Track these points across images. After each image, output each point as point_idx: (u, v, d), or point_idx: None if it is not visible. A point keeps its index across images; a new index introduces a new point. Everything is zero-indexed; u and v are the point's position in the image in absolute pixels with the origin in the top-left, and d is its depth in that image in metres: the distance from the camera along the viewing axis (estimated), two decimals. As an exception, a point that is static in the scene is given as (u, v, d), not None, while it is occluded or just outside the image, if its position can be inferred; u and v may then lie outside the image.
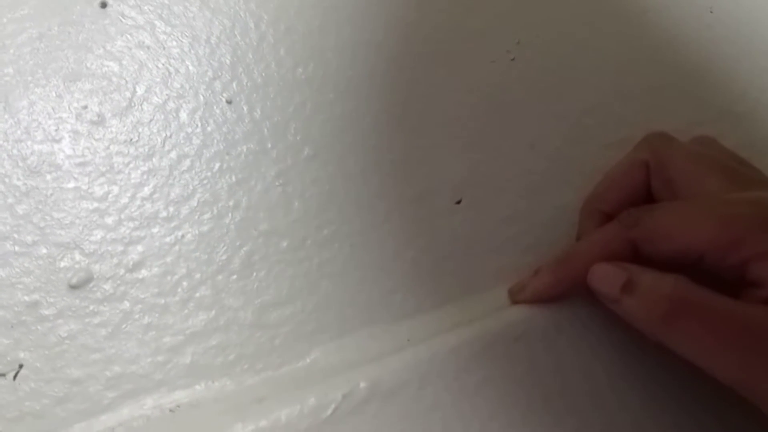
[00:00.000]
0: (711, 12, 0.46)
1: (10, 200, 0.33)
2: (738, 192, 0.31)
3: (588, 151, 0.39)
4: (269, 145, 0.36)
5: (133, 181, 0.34)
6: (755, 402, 0.27)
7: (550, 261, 0.34)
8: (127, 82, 0.36)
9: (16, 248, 0.32)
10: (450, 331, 0.33)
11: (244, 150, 0.36)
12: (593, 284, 0.32)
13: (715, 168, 0.33)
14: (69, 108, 0.35)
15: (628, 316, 0.30)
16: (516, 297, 0.35)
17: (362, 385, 0.30)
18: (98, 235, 0.33)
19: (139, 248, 0.33)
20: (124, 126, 0.35)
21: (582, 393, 0.32)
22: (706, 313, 0.28)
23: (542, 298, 0.34)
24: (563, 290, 0.34)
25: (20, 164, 0.33)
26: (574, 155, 0.39)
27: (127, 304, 0.32)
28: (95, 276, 0.32)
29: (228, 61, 0.38)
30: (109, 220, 0.33)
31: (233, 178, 0.35)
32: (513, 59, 0.41)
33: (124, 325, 0.32)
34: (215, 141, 0.36)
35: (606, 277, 0.31)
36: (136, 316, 0.32)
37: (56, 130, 0.34)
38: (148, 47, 0.37)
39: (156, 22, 0.38)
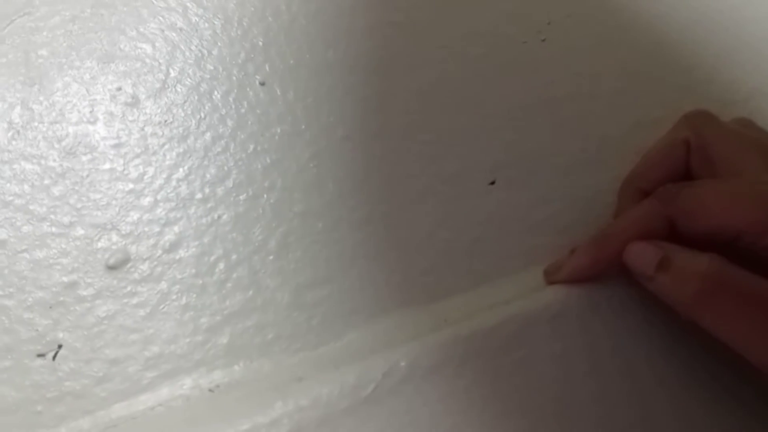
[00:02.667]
0: (741, -8, 0.45)
1: (46, 181, 0.33)
2: None
3: (621, 131, 0.39)
4: (303, 127, 0.36)
5: (168, 162, 0.34)
6: None
7: (587, 240, 0.34)
8: (160, 63, 0.36)
9: (53, 229, 0.32)
10: (487, 311, 0.33)
11: (278, 131, 0.36)
12: (629, 262, 0.31)
13: (757, 148, 0.32)
14: (103, 90, 0.35)
15: (662, 294, 0.30)
16: (552, 277, 0.35)
17: (402, 364, 0.30)
18: (134, 216, 0.33)
19: (176, 229, 0.33)
20: (158, 107, 0.35)
21: (618, 373, 0.32)
22: (741, 294, 0.27)
23: (578, 278, 0.34)
24: (600, 270, 0.34)
25: (56, 146, 0.33)
26: (607, 135, 0.39)
27: (164, 285, 0.32)
28: (132, 257, 0.32)
29: (260, 43, 0.37)
30: (145, 201, 0.33)
31: (268, 160, 0.35)
32: (544, 40, 0.41)
33: (161, 306, 0.32)
34: (249, 122, 0.36)
35: (641, 255, 0.31)
36: (174, 297, 0.32)
37: (91, 112, 0.34)
38: (181, 29, 0.37)
39: (188, 3, 0.38)
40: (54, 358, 0.30)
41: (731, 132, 0.34)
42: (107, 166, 0.33)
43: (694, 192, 0.31)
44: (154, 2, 0.37)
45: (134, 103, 0.35)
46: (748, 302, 0.27)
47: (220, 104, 0.36)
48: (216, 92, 0.36)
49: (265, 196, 0.34)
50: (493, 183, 0.37)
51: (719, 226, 0.30)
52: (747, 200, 0.30)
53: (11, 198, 0.32)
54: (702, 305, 0.28)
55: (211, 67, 0.36)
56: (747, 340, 0.27)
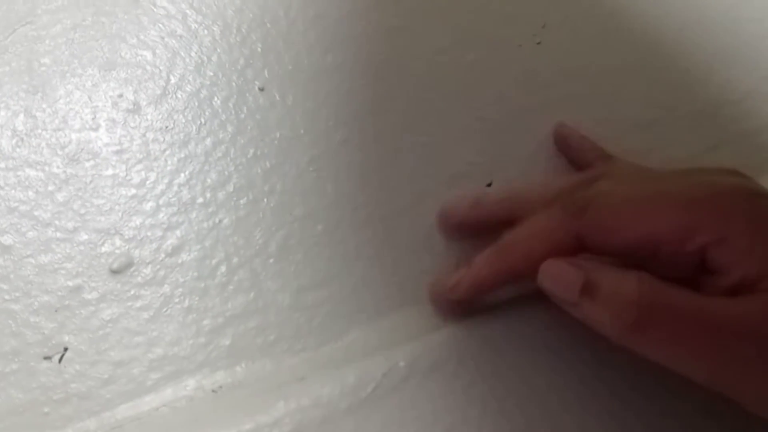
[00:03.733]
0: (735, -7, 0.46)
1: (50, 188, 0.33)
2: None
3: (617, 132, 0.40)
4: (302, 131, 0.36)
5: (169, 167, 0.35)
6: (734, 398, 0.25)
7: (487, 251, 0.31)
8: (161, 70, 0.37)
9: (58, 234, 0.33)
10: (486, 310, 0.33)
11: (278, 136, 0.36)
12: (545, 285, 0.28)
13: (653, 194, 0.29)
14: (105, 97, 0.36)
15: (590, 321, 0.27)
16: (450, 294, 0.32)
17: (401, 363, 0.31)
18: (137, 220, 0.33)
19: (178, 233, 0.33)
20: (159, 114, 0.36)
21: (624, 366, 0.32)
22: (678, 315, 0.25)
23: (479, 292, 0.32)
24: (501, 283, 0.31)
25: (59, 152, 0.34)
26: (603, 135, 0.39)
27: (167, 288, 0.32)
28: (135, 261, 0.33)
29: (259, 49, 0.38)
30: (147, 206, 0.34)
31: (268, 164, 0.35)
32: (539, 42, 0.41)
33: (165, 309, 0.32)
34: (249, 128, 0.36)
35: (561, 278, 0.27)
36: (177, 300, 0.32)
37: (93, 119, 0.35)
38: (181, 36, 0.38)
39: (187, 11, 0.38)
40: (60, 360, 0.31)
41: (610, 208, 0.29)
42: (110, 171, 0.34)
43: (602, 205, 0.28)
44: (154, 10, 0.38)
45: (136, 109, 0.35)
46: (684, 326, 0.25)
47: (220, 110, 0.36)
48: (216, 98, 0.36)
49: (265, 199, 0.35)
50: (489, 185, 0.37)
51: (635, 241, 0.27)
52: (663, 208, 0.27)
53: (16, 204, 0.33)
54: (637, 332, 0.25)
55: (211, 73, 0.37)
56: (687, 363, 0.25)
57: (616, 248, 0.28)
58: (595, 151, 0.37)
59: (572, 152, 0.38)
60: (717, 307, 0.25)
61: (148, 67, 0.37)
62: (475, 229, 0.35)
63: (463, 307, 0.33)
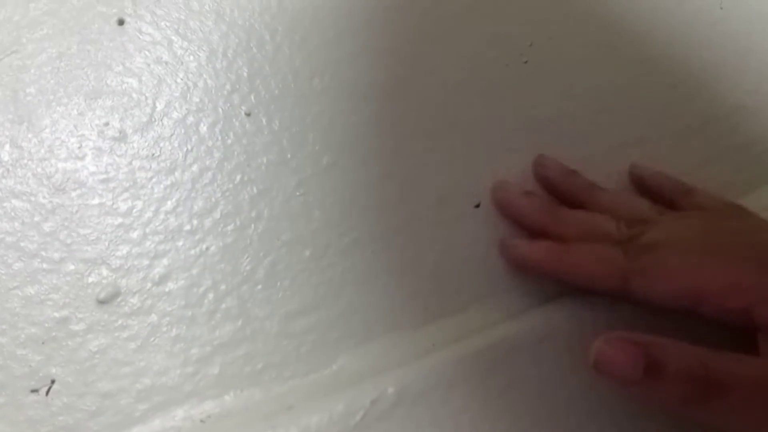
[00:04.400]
0: (721, 8, 0.46)
1: (36, 218, 0.33)
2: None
3: (605, 151, 0.40)
4: (289, 156, 0.36)
5: (156, 195, 0.35)
6: None
7: (550, 244, 0.34)
8: (147, 98, 0.37)
9: (44, 265, 0.32)
10: (475, 334, 0.33)
11: (265, 161, 0.36)
12: (602, 365, 0.27)
13: (706, 248, 0.30)
14: (91, 125, 0.36)
15: (653, 399, 0.28)
16: (500, 248, 0.36)
17: (390, 390, 0.31)
18: (124, 250, 0.33)
19: (165, 261, 0.33)
20: (145, 141, 0.36)
21: (609, 394, 0.32)
22: (742, 389, 0.26)
23: (521, 268, 0.35)
24: (541, 274, 0.34)
25: (45, 182, 0.34)
26: (591, 155, 0.39)
27: (154, 317, 0.32)
28: (123, 290, 0.32)
29: (245, 74, 0.38)
30: (134, 235, 0.34)
31: (254, 190, 0.35)
32: (526, 62, 0.42)
33: (152, 338, 0.32)
34: (236, 153, 0.36)
35: (620, 359, 0.26)
36: (164, 329, 0.32)
37: (79, 148, 0.35)
38: (167, 63, 0.38)
39: (173, 37, 0.38)
40: (47, 393, 0.31)
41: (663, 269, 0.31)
42: (96, 201, 0.34)
43: (657, 254, 0.30)
44: (140, 36, 0.38)
45: (122, 137, 0.35)
46: (749, 396, 0.25)
47: (206, 136, 0.36)
48: (202, 124, 0.36)
49: (252, 226, 0.35)
50: (477, 206, 0.37)
51: (680, 291, 0.29)
52: (711, 261, 0.29)
53: (2, 236, 0.33)
54: (706, 407, 0.26)
55: (197, 99, 0.37)
56: (756, 429, 0.26)
57: (658, 296, 0.30)
58: (673, 187, 0.38)
59: (651, 192, 0.38)
60: None
61: (134, 95, 0.37)
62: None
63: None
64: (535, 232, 0.36)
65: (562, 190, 0.37)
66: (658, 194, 0.38)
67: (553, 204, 0.36)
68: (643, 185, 0.39)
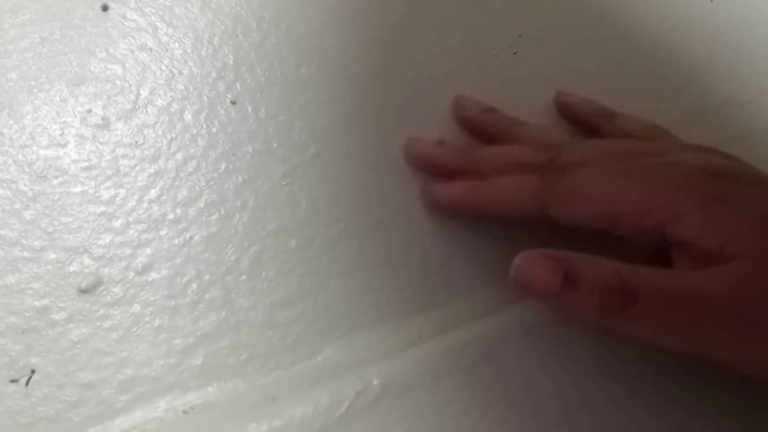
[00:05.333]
0: (712, 1, 0.46)
1: (17, 206, 0.33)
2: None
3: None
4: (275, 145, 0.36)
5: (139, 183, 0.34)
6: (721, 365, 0.27)
7: (467, 183, 0.34)
8: (130, 84, 0.36)
9: (25, 254, 0.32)
10: (461, 326, 0.33)
11: (250, 150, 0.36)
12: (521, 280, 0.29)
13: (621, 170, 0.31)
14: (73, 112, 0.35)
15: (571, 310, 0.30)
16: (421, 193, 0.36)
17: (375, 382, 0.30)
18: (106, 238, 0.33)
19: (148, 251, 0.33)
20: (129, 129, 0.35)
21: (594, 385, 0.32)
22: (657, 298, 0.27)
23: (442, 208, 0.36)
24: (463, 214, 0.35)
25: (26, 169, 0.33)
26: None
27: (137, 307, 0.32)
28: (105, 280, 0.32)
29: (231, 62, 0.38)
30: (116, 224, 0.33)
31: (240, 179, 0.35)
32: (515, 53, 0.41)
33: (134, 328, 0.32)
34: (221, 142, 0.36)
35: (538, 272, 0.28)
36: (147, 319, 0.32)
37: (61, 135, 0.34)
38: (151, 49, 0.37)
39: (158, 24, 0.38)
40: (27, 383, 0.30)
41: (587, 175, 0.31)
42: (78, 189, 0.33)
43: (574, 177, 0.31)
44: (124, 23, 0.37)
45: (105, 125, 0.35)
46: (665, 303, 0.27)
47: (191, 124, 0.36)
48: (187, 112, 0.36)
49: (237, 215, 0.34)
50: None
51: (595, 213, 0.30)
52: (622, 186, 0.30)
53: (-18, 223, 0.32)
54: (623, 316, 0.27)
55: (182, 87, 0.36)
56: (671, 338, 0.27)
57: (575, 218, 0.30)
58: (596, 112, 0.38)
59: (576, 118, 0.39)
60: (690, 282, 0.27)
61: (118, 82, 0.36)
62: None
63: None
64: (453, 177, 0.35)
65: (482, 129, 0.38)
66: (583, 121, 0.39)
67: (468, 146, 0.37)
68: (567, 111, 0.39)
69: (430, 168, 0.36)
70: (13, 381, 0.30)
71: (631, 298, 0.27)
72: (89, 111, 0.35)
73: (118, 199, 0.34)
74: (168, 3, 0.38)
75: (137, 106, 0.36)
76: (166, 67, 0.37)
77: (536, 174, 0.32)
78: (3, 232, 0.32)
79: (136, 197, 0.34)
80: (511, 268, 0.29)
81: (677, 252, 0.29)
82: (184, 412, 0.30)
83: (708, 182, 0.29)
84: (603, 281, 0.27)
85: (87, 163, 0.34)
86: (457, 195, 0.34)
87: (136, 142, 0.35)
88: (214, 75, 0.37)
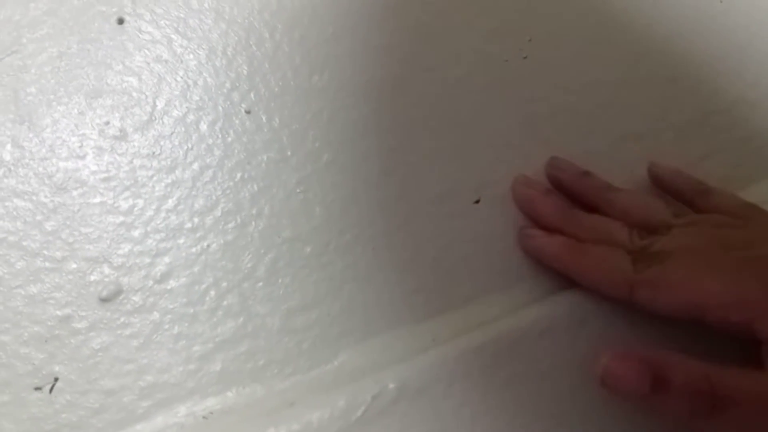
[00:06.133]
0: (721, 2, 0.46)
1: (38, 217, 0.33)
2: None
3: (605, 145, 0.40)
4: (289, 153, 0.37)
5: (157, 193, 0.35)
6: None
7: (565, 240, 0.35)
8: (147, 96, 0.37)
9: (47, 264, 0.33)
10: (475, 329, 0.33)
11: (265, 159, 0.36)
12: (609, 380, 0.29)
13: (712, 262, 0.31)
14: (92, 124, 0.36)
15: (661, 412, 0.29)
16: (518, 237, 0.37)
17: (391, 386, 0.31)
18: (126, 248, 0.33)
19: (167, 259, 0.34)
20: (146, 140, 0.36)
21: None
22: (746, 404, 0.27)
23: (536, 257, 0.36)
24: (553, 268, 0.35)
25: (47, 182, 0.34)
26: (591, 149, 0.39)
27: (156, 315, 0.32)
28: (125, 288, 0.33)
29: (245, 72, 0.38)
30: (135, 233, 0.34)
31: (255, 187, 0.36)
32: (525, 57, 0.42)
33: (154, 336, 0.32)
34: (236, 151, 0.36)
35: (627, 376, 0.28)
36: (166, 326, 0.32)
37: (80, 147, 0.35)
38: (166, 61, 0.38)
39: (173, 36, 0.38)
40: (51, 391, 0.31)
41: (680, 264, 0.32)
42: (98, 199, 0.34)
43: (664, 266, 0.31)
44: (140, 35, 0.38)
45: (122, 136, 0.36)
46: (755, 409, 0.27)
47: (206, 134, 0.36)
48: (202, 122, 0.37)
49: (253, 223, 0.35)
50: (477, 202, 0.37)
51: (683, 304, 0.30)
52: (713, 279, 0.29)
53: (4, 235, 0.33)
54: (712, 420, 0.27)
55: (197, 98, 0.37)
56: None
57: (662, 308, 0.30)
58: (691, 188, 0.38)
59: (670, 192, 0.38)
60: None
61: (134, 93, 0.37)
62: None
63: None
64: (550, 230, 0.36)
65: (576, 193, 0.37)
66: (677, 196, 0.38)
67: (570, 207, 0.36)
68: (661, 185, 0.39)
69: (531, 212, 0.37)
70: (37, 389, 0.31)
71: (721, 404, 0.27)
72: (107, 123, 0.36)
73: (136, 209, 0.34)
74: (182, 15, 0.39)
75: (154, 118, 0.36)
76: (182, 78, 0.37)
77: (629, 256, 0.32)
78: (25, 243, 0.33)
79: (154, 207, 0.34)
80: (598, 365, 0.29)
81: (767, 349, 0.28)
82: (204, 417, 0.31)
83: None
84: (693, 386, 0.27)
85: (105, 174, 0.35)
86: (553, 251, 0.35)
87: (153, 153, 0.36)
88: (228, 85, 0.38)
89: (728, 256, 0.31)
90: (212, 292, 0.33)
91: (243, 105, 0.37)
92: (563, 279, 0.35)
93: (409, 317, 0.34)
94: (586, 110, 0.41)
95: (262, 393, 0.32)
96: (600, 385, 0.29)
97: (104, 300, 0.32)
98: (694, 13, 0.45)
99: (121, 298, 0.33)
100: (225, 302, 0.33)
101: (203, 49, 0.38)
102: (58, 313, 0.32)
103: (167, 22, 0.39)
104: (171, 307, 0.33)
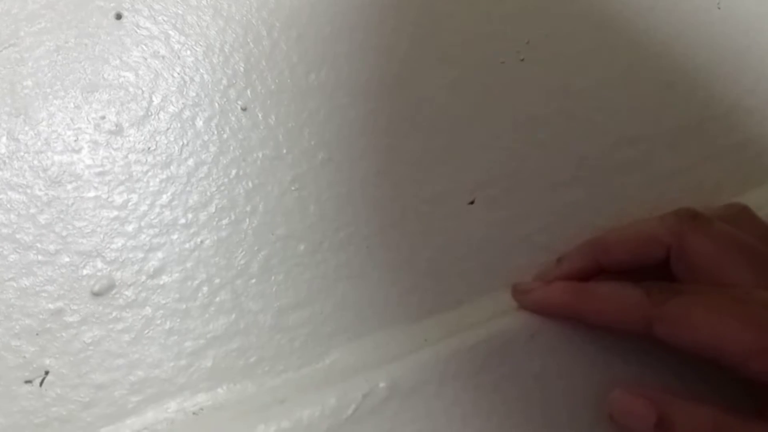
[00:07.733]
0: (719, 8, 0.46)
1: (32, 210, 0.33)
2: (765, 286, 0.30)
3: (601, 149, 0.40)
4: (284, 151, 0.37)
5: (151, 189, 0.35)
6: None
7: (566, 284, 0.34)
8: (143, 91, 0.37)
9: (40, 257, 0.33)
10: (467, 330, 0.33)
11: (260, 156, 0.36)
12: (617, 418, 0.30)
13: (743, 257, 0.31)
14: (87, 118, 0.36)
15: None
16: (513, 294, 0.35)
17: (382, 384, 0.31)
18: (119, 242, 0.33)
19: (160, 255, 0.33)
20: (141, 135, 0.36)
21: (601, 389, 0.33)
22: None
23: (541, 311, 0.34)
24: (563, 317, 0.33)
25: (41, 175, 0.34)
26: (586, 153, 0.39)
27: (149, 310, 0.32)
28: (117, 283, 0.33)
29: (242, 69, 0.38)
30: (129, 228, 0.34)
31: (250, 184, 0.36)
32: (522, 59, 0.42)
33: (146, 331, 0.32)
34: (231, 148, 0.36)
35: (633, 413, 0.29)
36: (158, 322, 0.32)
37: (75, 141, 0.35)
38: (163, 57, 0.38)
39: (170, 32, 0.38)
40: (41, 384, 0.31)
41: (717, 236, 0.32)
42: (92, 194, 0.34)
43: (684, 301, 0.30)
44: (137, 31, 0.38)
45: (118, 131, 0.36)
46: None
47: (202, 130, 0.36)
48: (198, 119, 0.37)
49: (247, 220, 0.35)
50: (472, 203, 0.37)
51: (701, 344, 0.29)
52: (737, 319, 0.28)
53: (-2, 227, 0.33)
54: None
55: (194, 94, 0.37)
56: None
57: (682, 343, 0.29)
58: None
59: None
60: None
61: (131, 89, 0.37)
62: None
63: None
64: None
65: None
66: None
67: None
68: None
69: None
70: (28, 382, 0.31)
71: None
72: (103, 117, 0.36)
73: (130, 203, 0.34)
74: (180, 11, 0.39)
75: (150, 113, 0.36)
76: (178, 74, 0.37)
77: (642, 289, 0.31)
78: (18, 236, 0.33)
79: (148, 202, 0.34)
80: (607, 403, 0.30)
81: None
82: (194, 413, 0.31)
83: None
84: (696, 428, 0.28)
85: (100, 169, 0.35)
86: (557, 301, 0.33)
87: (149, 148, 0.35)
88: (225, 82, 0.38)
89: (750, 298, 0.30)
90: (205, 289, 0.33)
91: (239, 102, 0.37)
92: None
93: (401, 317, 0.34)
94: (582, 114, 0.41)
95: (253, 390, 0.32)
96: (608, 420, 0.30)
97: (96, 294, 0.32)
98: (692, 19, 0.45)
99: (113, 292, 0.33)
100: (217, 299, 0.33)
101: (200, 45, 0.38)
102: (50, 306, 0.32)
103: (165, 18, 0.39)
104: (163, 302, 0.33)
